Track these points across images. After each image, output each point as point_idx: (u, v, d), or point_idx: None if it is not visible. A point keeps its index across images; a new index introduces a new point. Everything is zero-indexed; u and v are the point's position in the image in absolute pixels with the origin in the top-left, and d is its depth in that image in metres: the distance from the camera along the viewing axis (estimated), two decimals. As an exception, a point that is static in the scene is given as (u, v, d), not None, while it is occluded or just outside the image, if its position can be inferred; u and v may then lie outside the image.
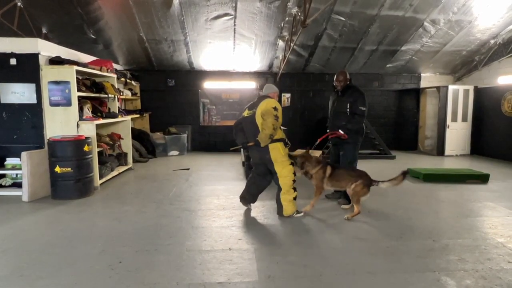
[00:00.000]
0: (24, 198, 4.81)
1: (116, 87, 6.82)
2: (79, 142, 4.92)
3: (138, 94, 8.97)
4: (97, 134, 5.71)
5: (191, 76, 9.31)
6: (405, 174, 4.09)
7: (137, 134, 8.32)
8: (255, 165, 4.38)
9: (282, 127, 4.22)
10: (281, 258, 3.11)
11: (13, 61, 4.99)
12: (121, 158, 6.69)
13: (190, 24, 7.17)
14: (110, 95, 6.24)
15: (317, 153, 7.93)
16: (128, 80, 8.17)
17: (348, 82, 4.64)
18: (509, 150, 8.07)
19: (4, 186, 5.26)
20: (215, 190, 5.43)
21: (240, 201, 4.50)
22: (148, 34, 7.48)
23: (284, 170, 4.06)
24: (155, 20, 6.95)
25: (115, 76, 6.82)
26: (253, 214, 4.35)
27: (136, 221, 4.03)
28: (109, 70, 6.48)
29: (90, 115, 5.69)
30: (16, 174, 5.25)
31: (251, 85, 9.45)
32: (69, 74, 5.08)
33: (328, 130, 4.81)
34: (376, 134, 8.85)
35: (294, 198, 4.12)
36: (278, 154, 4.03)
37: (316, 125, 9.40)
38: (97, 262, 3.01)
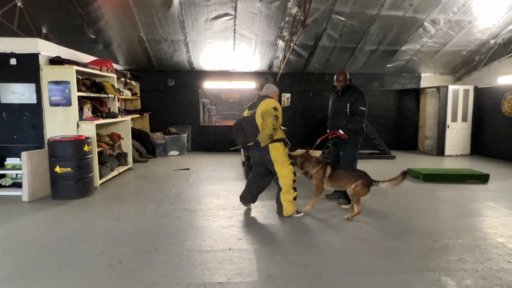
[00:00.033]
0: (24, 198, 4.81)
1: (116, 87, 6.82)
2: (79, 142, 4.92)
3: (138, 94, 8.97)
4: (97, 134, 5.71)
5: (191, 76, 9.31)
6: (405, 174, 4.09)
7: (137, 134, 8.32)
8: (255, 165, 4.38)
9: (282, 127, 4.22)
10: (281, 258, 3.11)
11: (13, 61, 4.99)
12: (121, 158, 6.69)
13: (190, 24, 7.17)
14: (110, 95, 6.24)
15: (317, 153, 7.93)
16: (128, 80, 8.17)
17: (348, 82, 4.64)
18: (509, 150, 8.07)
19: (4, 186, 5.26)
20: (215, 190, 5.43)
21: (240, 201, 4.50)
22: (148, 34, 7.48)
23: (284, 170, 4.06)
24: (155, 20, 6.95)
25: (115, 76, 6.82)
26: (253, 214, 4.35)
27: (136, 221, 4.03)
28: (109, 70, 6.48)
29: (90, 115, 5.69)
30: (16, 174, 5.25)
31: (251, 85, 9.45)
32: (69, 74, 5.08)
33: (328, 130, 4.81)
34: (376, 134, 8.85)
35: (294, 198, 4.12)
36: (278, 154, 4.03)
37: (316, 125, 9.40)
38: (97, 262, 3.01)
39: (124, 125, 6.93)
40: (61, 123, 5.17)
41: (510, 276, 2.81)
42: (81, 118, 5.30)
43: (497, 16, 7.22)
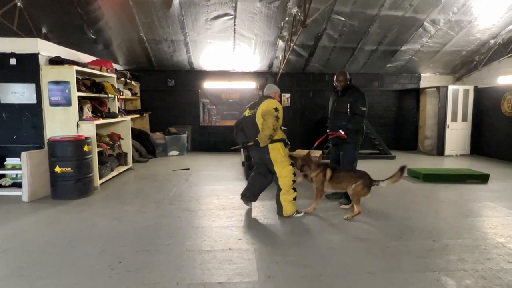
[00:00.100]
0: (24, 198, 4.81)
1: (116, 87, 6.82)
2: (79, 142, 4.91)
3: (138, 94, 8.97)
4: (97, 134, 5.71)
5: (191, 76, 9.31)
6: (402, 169, 4.10)
7: (137, 134, 8.32)
8: (256, 165, 4.39)
9: (282, 127, 4.22)
10: (281, 258, 3.11)
11: (13, 61, 4.99)
12: (121, 158, 6.69)
13: (190, 24, 7.17)
14: (110, 95, 6.24)
15: (317, 153, 7.93)
16: (128, 80, 8.17)
17: (348, 82, 4.65)
18: (509, 150, 8.07)
19: (4, 186, 5.26)
20: (215, 190, 5.43)
21: (241, 198, 4.51)
22: (148, 34, 7.48)
23: (283, 171, 4.06)
24: (155, 20, 6.95)
25: (115, 76, 6.81)
26: (253, 214, 4.35)
27: (136, 221, 4.03)
28: (109, 70, 6.48)
29: (90, 115, 5.69)
30: (16, 174, 5.25)
31: (251, 85, 9.45)
32: (69, 74, 5.08)
33: (328, 130, 4.81)
34: (376, 134, 8.85)
35: (294, 198, 4.12)
36: (277, 154, 4.03)
37: (316, 125, 9.41)
38: (97, 262, 3.01)
39: (124, 125, 6.93)
40: (61, 123, 5.17)
41: (510, 276, 2.82)
42: (81, 118, 5.30)
43: (497, 16, 7.22)
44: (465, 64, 9.36)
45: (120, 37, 7.55)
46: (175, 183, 5.89)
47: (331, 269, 2.91)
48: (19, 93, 5.09)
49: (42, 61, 5.07)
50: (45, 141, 5.13)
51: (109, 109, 6.56)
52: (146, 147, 8.39)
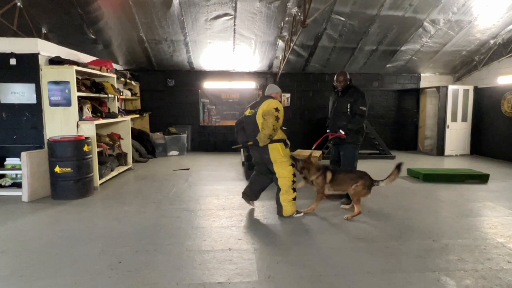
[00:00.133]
0: (24, 198, 4.81)
1: (116, 87, 6.82)
2: (79, 142, 4.92)
3: (138, 94, 8.97)
4: (97, 134, 5.71)
5: (191, 76, 9.31)
6: (399, 166, 4.11)
7: (137, 134, 8.32)
8: (257, 164, 4.40)
9: (282, 127, 4.22)
10: (281, 258, 3.11)
11: (13, 61, 4.99)
12: (121, 158, 6.69)
13: (190, 24, 7.17)
14: (110, 95, 6.24)
15: (317, 153, 7.94)
16: (128, 80, 8.17)
17: (348, 82, 4.65)
18: (509, 150, 8.07)
19: (4, 186, 5.26)
20: (215, 190, 5.43)
21: (242, 197, 4.53)
22: (148, 34, 7.48)
23: (283, 171, 4.06)
24: (155, 20, 6.95)
25: (115, 76, 6.81)
26: (253, 214, 4.35)
27: (136, 221, 4.03)
28: (109, 70, 6.48)
29: (90, 115, 5.69)
30: (16, 174, 5.25)
31: (251, 85, 9.45)
32: (69, 74, 5.08)
33: (328, 130, 4.82)
34: (376, 134, 8.84)
35: (294, 199, 4.12)
36: (277, 154, 4.03)
37: (316, 125, 9.42)
38: (97, 262, 3.01)
39: (124, 125, 6.93)
40: (61, 123, 5.17)
41: (510, 276, 2.82)
42: (81, 118, 5.30)
43: (496, 16, 7.22)
44: (465, 64, 9.36)
45: (120, 37, 7.55)
46: (175, 183, 5.89)
47: (331, 269, 2.91)
48: (19, 93, 5.09)
49: (42, 61, 5.07)
50: (45, 141, 5.13)
51: (109, 109, 6.56)
52: (146, 147, 8.39)
